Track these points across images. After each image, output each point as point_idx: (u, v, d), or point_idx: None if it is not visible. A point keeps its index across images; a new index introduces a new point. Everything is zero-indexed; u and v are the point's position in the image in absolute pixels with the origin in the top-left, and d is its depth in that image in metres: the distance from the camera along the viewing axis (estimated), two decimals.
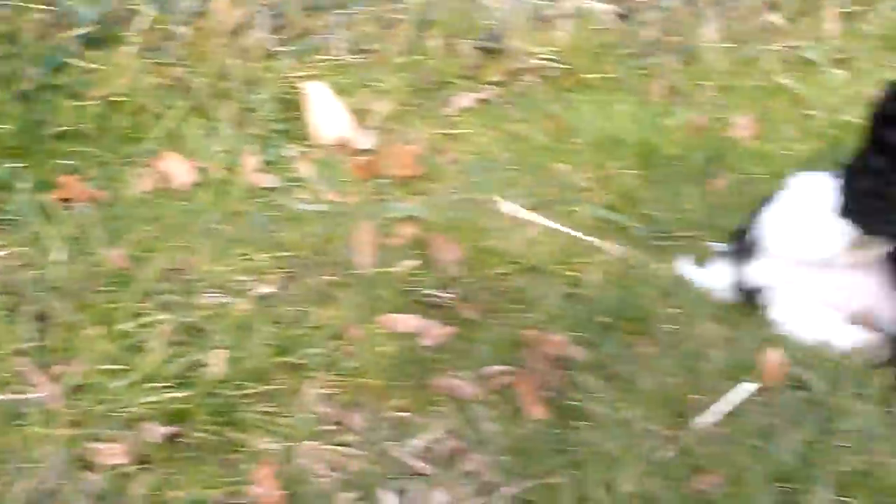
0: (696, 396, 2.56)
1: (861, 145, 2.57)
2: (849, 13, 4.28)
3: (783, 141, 3.65)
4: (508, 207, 3.21)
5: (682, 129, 3.64)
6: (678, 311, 2.83)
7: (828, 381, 2.62)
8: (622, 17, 4.08)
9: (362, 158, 3.38)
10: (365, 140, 3.46)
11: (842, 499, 2.33)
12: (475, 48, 3.83)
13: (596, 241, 3.09)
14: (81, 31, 3.67)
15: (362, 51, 3.86)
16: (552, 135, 3.57)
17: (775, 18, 4.23)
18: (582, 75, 3.86)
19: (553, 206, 3.29)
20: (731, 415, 2.52)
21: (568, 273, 3.00)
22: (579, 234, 3.08)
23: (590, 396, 2.55)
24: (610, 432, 2.43)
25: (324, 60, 3.84)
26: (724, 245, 3.05)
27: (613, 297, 2.87)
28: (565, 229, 3.11)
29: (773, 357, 2.63)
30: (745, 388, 2.56)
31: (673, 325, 2.79)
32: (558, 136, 3.56)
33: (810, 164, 3.24)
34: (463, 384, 2.57)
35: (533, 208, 3.27)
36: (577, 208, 3.28)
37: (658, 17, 4.12)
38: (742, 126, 3.69)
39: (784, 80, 3.97)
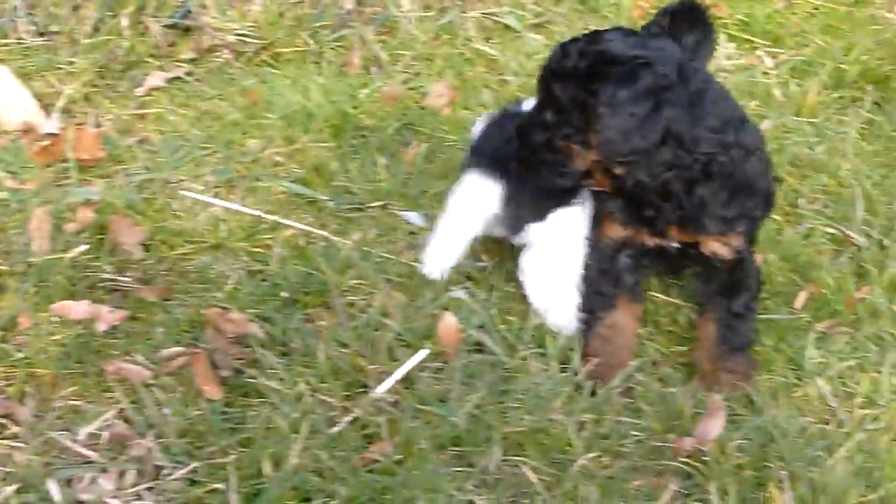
0: (374, 367, 2.55)
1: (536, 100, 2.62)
2: None
3: (478, 107, 3.67)
4: (191, 187, 3.13)
5: (378, 100, 3.62)
6: (359, 282, 2.81)
7: (506, 343, 2.65)
8: None
9: (44, 143, 3.22)
10: (50, 124, 3.31)
11: (513, 457, 2.38)
12: (166, 27, 3.69)
13: (279, 217, 3.02)
14: None
15: (49, 33, 3.67)
16: (245, 111, 3.49)
17: None
18: (277, 49, 3.80)
19: (243, 182, 3.23)
20: (407, 382, 2.53)
21: (252, 250, 2.96)
22: (258, 213, 3.01)
23: (267, 373, 2.52)
24: (283, 408, 2.40)
25: (7, 44, 3.64)
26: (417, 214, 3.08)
27: (296, 272, 2.83)
28: (244, 209, 3.05)
29: (448, 323, 2.64)
30: (420, 355, 2.56)
31: (353, 297, 2.77)
32: (251, 111, 3.49)
33: None
34: (136, 368, 2.50)
35: (222, 186, 3.19)
36: (267, 184, 3.22)
37: None
38: (438, 94, 3.70)
39: (482, 47, 4.00)
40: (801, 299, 2.93)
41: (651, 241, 2.60)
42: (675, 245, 2.59)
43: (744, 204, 2.54)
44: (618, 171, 2.47)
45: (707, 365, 2.67)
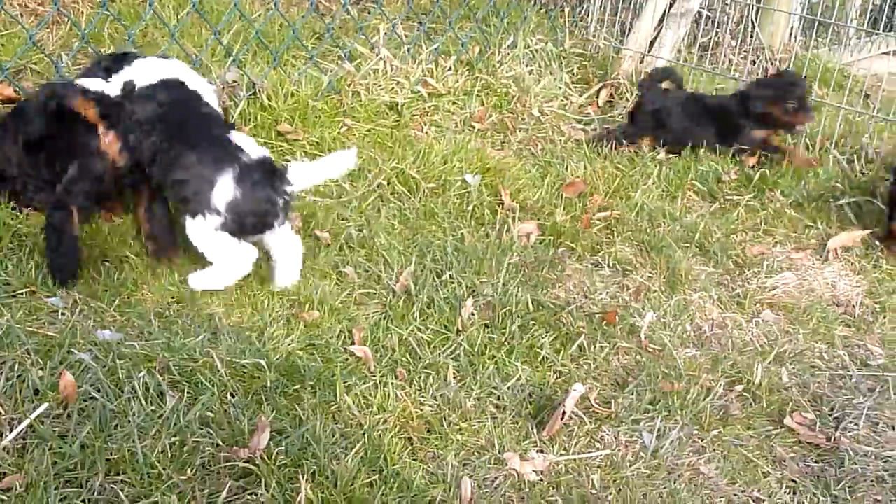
0: (6, 416, 2.76)
1: None
2: None
3: None
4: None
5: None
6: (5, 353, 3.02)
7: (113, 392, 2.92)
8: None
9: None
10: None
11: (115, 477, 2.66)
12: None
13: None
14: None
15: None
16: None
17: None
18: None
19: None
20: (33, 427, 2.76)
21: None
22: None
23: None
24: None
25: None
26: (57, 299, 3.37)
27: None
28: None
29: (67, 380, 2.89)
30: (42, 407, 2.81)
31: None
32: None
33: None
34: None
35: None
36: None
37: None
38: None
39: None
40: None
41: None
42: None
43: None
44: None
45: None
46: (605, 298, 3.97)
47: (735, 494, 3.01)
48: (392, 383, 3.15)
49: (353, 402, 3.05)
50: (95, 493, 2.61)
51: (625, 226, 4.59)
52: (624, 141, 5.42)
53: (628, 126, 5.56)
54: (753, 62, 6.98)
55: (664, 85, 5.62)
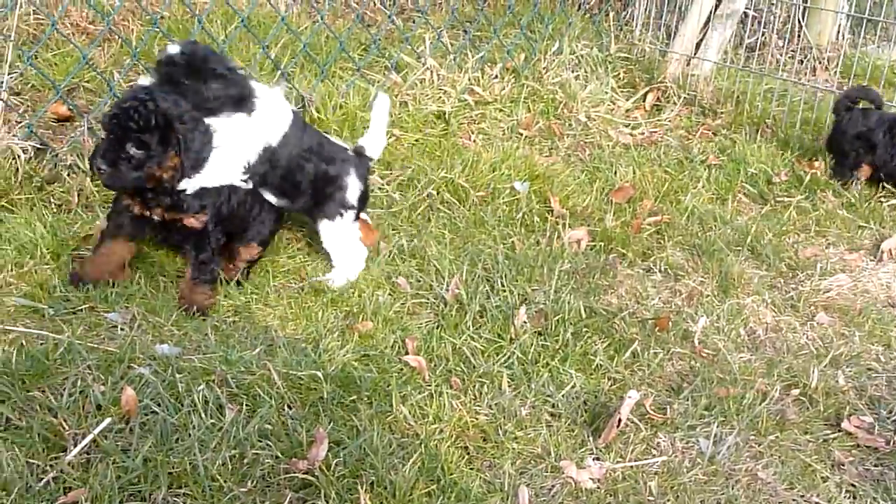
0: (70, 431, 2.80)
1: None
2: None
3: None
4: None
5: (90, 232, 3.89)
6: (67, 368, 3.07)
7: (173, 406, 2.95)
8: None
9: None
10: None
11: (177, 490, 2.67)
12: None
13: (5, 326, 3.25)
14: None
15: None
16: None
17: None
18: (12, 196, 4.00)
19: None
20: (96, 442, 2.80)
21: None
22: None
23: None
24: None
25: None
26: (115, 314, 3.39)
27: (20, 361, 3.03)
28: None
29: (129, 394, 2.91)
30: (105, 422, 2.83)
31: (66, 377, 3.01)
32: None
33: None
34: None
35: None
36: (0, 300, 3.43)
37: None
38: None
39: None
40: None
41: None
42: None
43: None
44: None
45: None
46: (658, 304, 3.94)
47: (794, 500, 2.97)
48: (447, 392, 3.15)
49: (409, 412, 3.06)
50: None
51: (675, 230, 4.55)
52: (840, 178, 5.14)
53: (835, 163, 5.24)
54: (801, 61, 6.89)
55: (861, 105, 5.26)
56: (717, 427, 3.20)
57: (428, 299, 3.71)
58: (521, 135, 5.27)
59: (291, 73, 4.98)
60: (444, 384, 3.21)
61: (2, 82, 4.30)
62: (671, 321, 3.73)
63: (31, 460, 2.67)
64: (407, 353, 3.33)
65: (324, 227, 3.78)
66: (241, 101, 3.46)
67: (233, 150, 3.46)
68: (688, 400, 3.34)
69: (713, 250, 4.36)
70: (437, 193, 4.46)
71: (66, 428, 2.80)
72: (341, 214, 3.75)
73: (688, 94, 6.09)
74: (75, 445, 2.75)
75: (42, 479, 2.63)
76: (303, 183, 3.69)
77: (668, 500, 2.91)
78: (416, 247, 4.04)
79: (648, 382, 3.43)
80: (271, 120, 3.58)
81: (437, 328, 3.53)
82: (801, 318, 3.94)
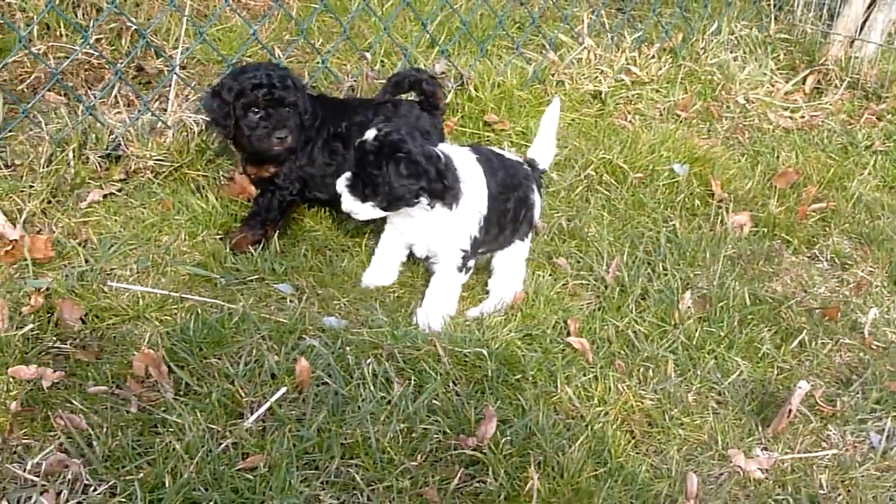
0: (247, 398, 2.87)
1: None
2: None
3: None
4: (120, 275, 3.46)
5: None
6: (241, 337, 3.14)
7: (343, 377, 2.98)
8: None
9: (8, 247, 3.52)
10: (13, 232, 3.59)
11: (349, 460, 2.72)
12: (101, 156, 4.01)
13: (183, 293, 3.36)
14: None
15: (14, 165, 3.96)
16: (161, 215, 3.83)
17: None
18: (185, 171, 4.12)
19: (159, 267, 3.55)
20: (271, 410, 2.86)
21: (163, 318, 3.25)
22: (166, 292, 3.35)
23: (169, 410, 2.81)
24: (183, 435, 2.71)
25: None
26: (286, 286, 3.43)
27: (196, 330, 3.13)
28: (155, 291, 3.35)
29: (303, 365, 2.95)
30: (280, 391, 2.89)
31: (239, 346, 3.09)
32: (165, 215, 3.83)
33: None
34: (74, 417, 2.74)
35: (142, 271, 3.51)
36: (176, 268, 3.55)
37: None
38: None
39: None
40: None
41: None
42: None
43: None
44: None
45: None
46: (825, 293, 3.80)
47: None
48: (611, 375, 3.10)
49: (574, 394, 3.01)
50: (332, 476, 2.67)
51: (841, 217, 4.38)
52: None
53: None
54: None
55: None
56: (890, 422, 3.06)
57: (588, 280, 3.66)
58: (678, 116, 5.14)
59: (450, 51, 4.96)
60: (608, 367, 3.16)
61: (175, 57, 4.41)
62: (840, 311, 3.58)
63: (210, 425, 2.75)
64: (569, 335, 3.28)
65: (515, 247, 3.57)
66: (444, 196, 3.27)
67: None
68: (858, 393, 3.21)
69: (882, 239, 4.17)
70: (595, 174, 4.38)
71: (243, 395, 2.86)
72: (528, 234, 3.57)
73: (851, 78, 5.81)
74: (252, 413, 2.82)
75: (221, 444, 2.70)
76: (507, 222, 3.47)
77: (840, 495, 2.81)
78: (576, 227, 3.99)
79: (816, 373, 3.31)
80: (477, 198, 3.35)
81: (599, 310, 3.48)
82: None
